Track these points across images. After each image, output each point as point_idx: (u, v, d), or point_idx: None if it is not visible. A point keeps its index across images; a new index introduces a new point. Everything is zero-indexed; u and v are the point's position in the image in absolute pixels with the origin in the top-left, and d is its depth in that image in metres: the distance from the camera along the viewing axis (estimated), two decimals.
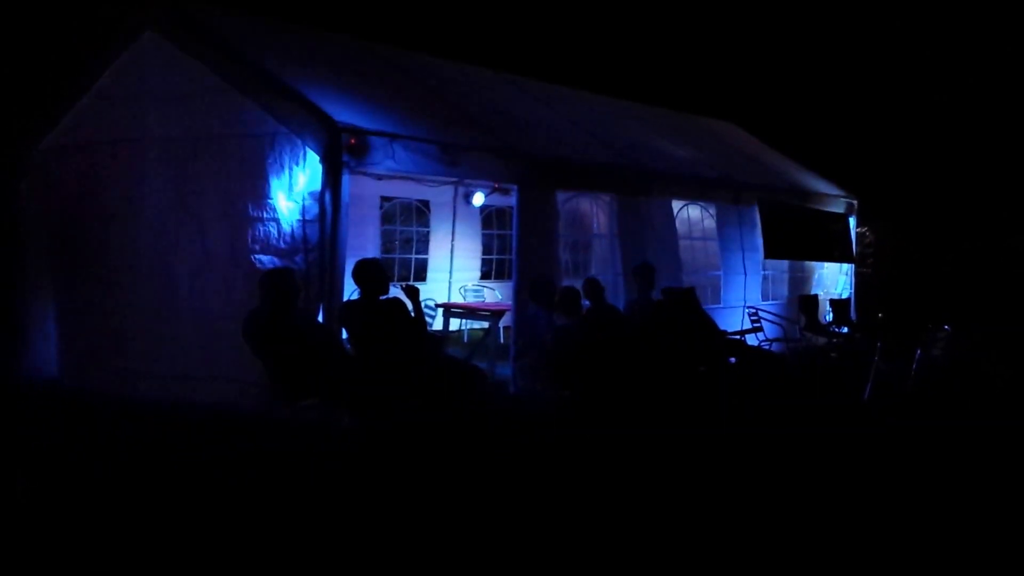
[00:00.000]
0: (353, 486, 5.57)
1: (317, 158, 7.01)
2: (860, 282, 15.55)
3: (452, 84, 10.24)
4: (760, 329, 11.01)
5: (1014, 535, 5.33)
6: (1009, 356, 11.37)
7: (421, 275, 12.71)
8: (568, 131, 10.72)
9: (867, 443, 7.34)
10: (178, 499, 5.33)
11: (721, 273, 11.57)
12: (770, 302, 12.33)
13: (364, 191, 10.85)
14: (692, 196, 11.23)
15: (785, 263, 12.98)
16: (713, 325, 9.53)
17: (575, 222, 10.16)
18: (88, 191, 8.43)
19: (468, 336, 12.21)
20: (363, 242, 11.10)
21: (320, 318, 6.97)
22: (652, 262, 9.33)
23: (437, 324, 10.99)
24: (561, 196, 9.12)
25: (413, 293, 6.83)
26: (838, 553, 4.93)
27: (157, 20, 7.90)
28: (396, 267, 12.38)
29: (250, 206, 7.44)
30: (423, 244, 12.82)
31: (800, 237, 12.69)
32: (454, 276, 13.16)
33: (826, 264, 14.05)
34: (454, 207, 12.97)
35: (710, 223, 11.60)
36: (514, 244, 8.64)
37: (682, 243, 10.85)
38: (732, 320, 11.22)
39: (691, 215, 11.38)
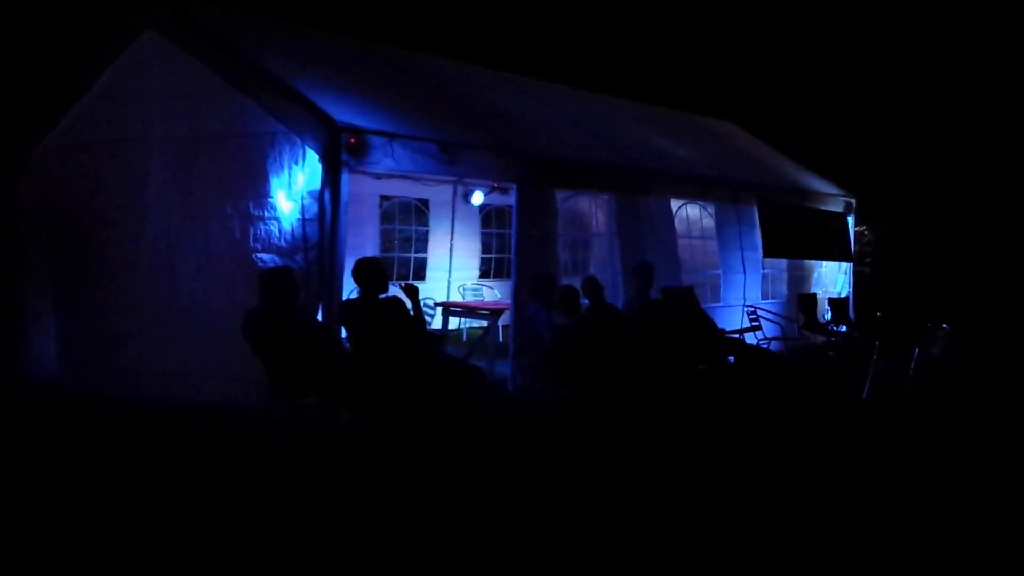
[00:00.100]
0: (352, 485, 5.58)
1: (316, 157, 7.03)
2: (859, 281, 15.57)
3: (451, 83, 10.25)
4: (759, 328, 11.03)
5: (1013, 535, 5.34)
6: (1008, 355, 11.38)
7: (420, 274, 12.72)
8: (567, 130, 10.73)
9: (865, 442, 7.35)
10: (178, 498, 5.33)
11: (720, 272, 11.58)
12: (769, 301, 12.34)
13: (363, 190, 10.87)
14: (691, 195, 11.24)
15: (784, 262, 13.00)
16: (712, 324, 9.55)
17: (574, 221, 10.16)
18: (88, 191, 8.44)
19: (467, 335, 12.22)
20: (362, 241, 11.12)
21: (319, 317, 6.98)
22: (651, 261, 9.34)
23: (436, 323, 11.01)
24: (560, 195, 9.13)
25: (412, 292, 6.84)
26: (837, 552, 4.94)
27: (157, 20, 7.91)
28: (395, 266, 12.39)
29: (251, 205, 7.46)
30: (422, 243, 12.83)
31: (799, 236, 12.70)
32: (453, 275, 13.17)
33: (825, 263, 14.06)
34: (453, 206, 12.99)
35: (709, 222, 11.61)
36: (513, 243, 8.65)
37: (681, 242, 10.86)
38: (732, 319, 11.23)
39: (690, 214, 11.39)
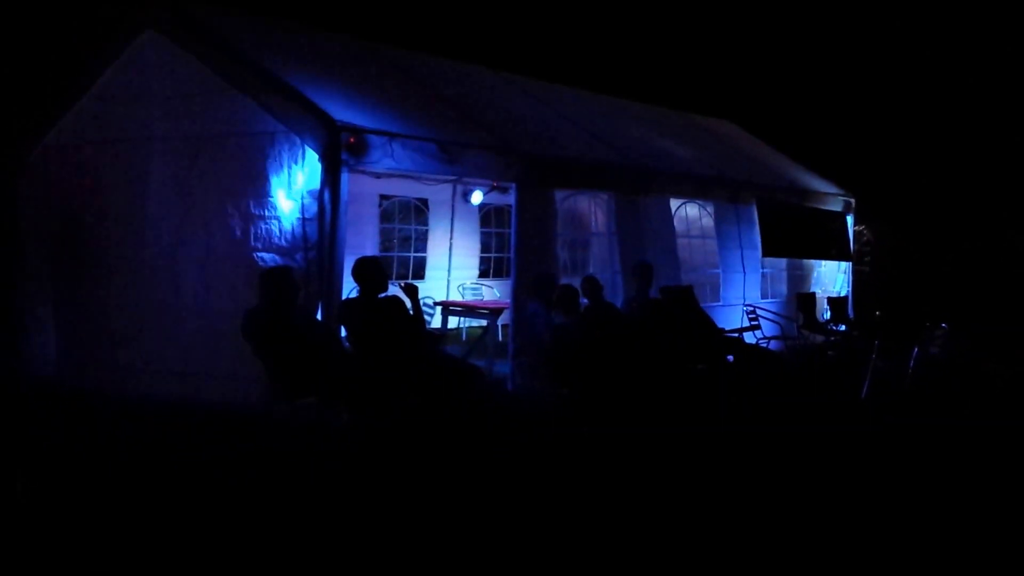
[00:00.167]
0: (352, 485, 5.58)
1: (316, 156, 7.04)
2: (858, 280, 15.57)
3: (451, 83, 10.25)
4: (758, 327, 11.04)
5: (1012, 534, 5.35)
6: (1008, 355, 11.39)
7: (420, 273, 12.73)
8: (566, 130, 10.74)
9: (864, 441, 7.36)
10: (177, 498, 5.34)
11: (720, 271, 11.59)
12: (769, 300, 12.35)
13: (363, 189, 10.86)
14: (690, 194, 11.25)
15: (783, 261, 13.01)
16: (711, 323, 9.56)
17: (573, 220, 10.18)
18: (88, 190, 8.45)
19: (466, 334, 12.23)
20: (362, 240, 11.12)
21: (319, 316, 6.99)
22: (650, 260, 9.35)
23: (436, 322, 11.01)
24: (559, 194, 9.14)
25: (412, 291, 6.86)
26: (835, 551, 4.95)
27: (157, 19, 7.92)
28: (395, 265, 12.39)
29: (251, 204, 7.47)
30: (422, 242, 12.84)
31: (798, 235, 12.72)
32: (453, 274, 13.17)
33: (824, 262, 14.08)
34: (453, 205, 12.99)
35: (708, 221, 11.63)
36: (512, 242, 8.65)
37: (680, 241, 10.87)
38: (731, 318, 11.24)
39: (689, 213, 11.40)
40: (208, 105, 7.73)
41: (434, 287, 12.62)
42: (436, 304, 11.24)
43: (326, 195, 6.98)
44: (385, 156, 7.28)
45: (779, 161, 15.15)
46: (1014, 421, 8.35)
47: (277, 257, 7.28)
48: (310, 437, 6.21)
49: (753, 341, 10.60)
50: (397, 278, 11.85)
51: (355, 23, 11.68)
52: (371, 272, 6.63)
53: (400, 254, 12.59)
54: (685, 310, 9.16)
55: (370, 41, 10.50)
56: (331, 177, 6.96)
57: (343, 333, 6.93)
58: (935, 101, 22.42)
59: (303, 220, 7.19)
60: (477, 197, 12.41)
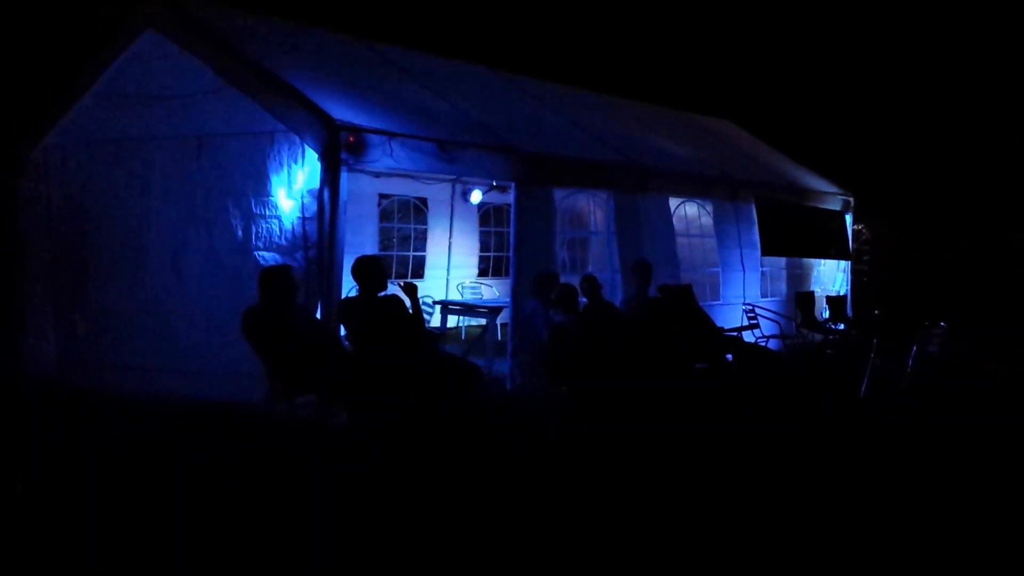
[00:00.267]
0: (350, 483, 5.59)
1: (316, 156, 7.05)
2: (856, 279, 15.58)
3: (450, 82, 10.27)
4: (757, 326, 11.06)
5: (1011, 532, 5.37)
6: (1006, 354, 11.42)
7: (419, 272, 12.74)
8: (566, 129, 10.75)
9: (863, 440, 7.37)
10: (177, 497, 5.35)
11: (719, 270, 11.61)
12: (769, 299, 12.37)
13: (362, 189, 10.88)
14: (689, 193, 11.27)
15: (783, 260, 13.03)
16: (710, 322, 9.57)
17: (572, 219, 10.20)
18: (89, 190, 8.47)
19: (465, 333, 12.24)
20: (361, 239, 11.12)
21: (318, 315, 7.01)
22: (649, 259, 9.37)
23: (435, 321, 11.02)
24: (559, 193, 9.16)
25: (411, 290, 6.87)
26: (834, 550, 4.96)
27: (157, 19, 7.93)
28: (394, 264, 12.41)
29: (253, 203, 7.50)
30: (421, 241, 12.85)
31: (797, 234, 12.74)
32: (452, 273, 13.18)
33: (824, 261, 14.10)
34: (452, 204, 13.01)
35: (707, 220, 11.64)
36: (512, 241, 8.67)
37: (679, 240, 10.89)
38: (731, 317, 11.26)
39: (688, 212, 11.42)
40: (208, 105, 7.74)
41: (433, 286, 12.64)
42: (435, 303, 11.25)
43: (325, 194, 7.00)
44: (384, 155, 7.29)
45: (778, 160, 15.16)
46: (1013, 420, 8.37)
47: (278, 256, 7.30)
48: (309, 436, 6.22)
49: (752, 340, 10.62)
50: (396, 277, 11.87)
51: (355, 22, 11.67)
52: (370, 271, 6.64)
53: (399, 253, 12.61)
54: (684, 309, 9.17)
55: (370, 40, 10.51)
56: (330, 176, 6.98)
57: (342, 332, 6.95)
58: (934, 100, 22.43)
59: (303, 219, 7.21)
60: (476, 196, 12.43)
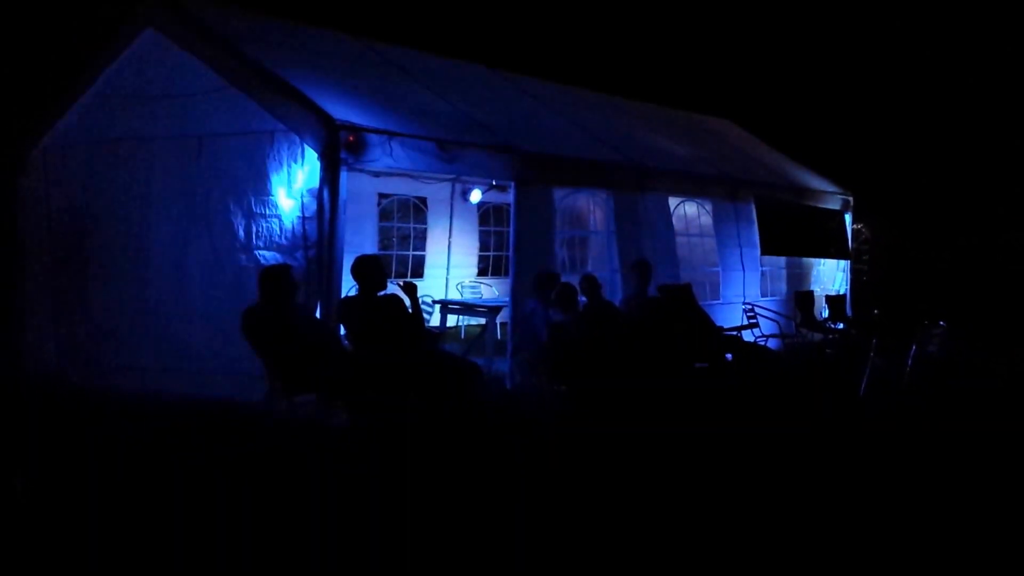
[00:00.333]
0: (350, 482, 5.60)
1: (315, 155, 7.06)
2: (856, 278, 15.60)
3: (450, 81, 10.27)
4: (756, 325, 11.07)
5: (1011, 532, 5.38)
6: (1005, 353, 11.43)
7: (419, 271, 12.76)
8: (565, 128, 10.76)
9: (862, 439, 7.38)
10: (176, 497, 5.36)
11: (719, 269, 11.62)
12: (769, 298, 12.38)
13: (362, 188, 10.90)
14: (689, 193, 11.27)
15: (783, 259, 13.04)
16: (709, 321, 9.58)
17: (572, 219, 10.21)
18: (89, 189, 8.47)
19: (465, 332, 12.25)
20: (361, 239, 11.14)
21: (318, 314, 7.01)
22: (649, 258, 9.37)
23: (434, 320, 11.03)
24: (558, 193, 9.17)
25: (411, 289, 6.87)
26: (833, 550, 4.97)
27: (157, 19, 7.95)
28: (394, 263, 12.42)
29: (253, 202, 7.51)
30: (420, 241, 12.86)
31: (796, 234, 12.75)
32: (451, 272, 13.19)
33: (823, 260, 14.11)
34: (451, 204, 13.02)
35: (707, 220, 11.65)
36: (511, 241, 8.68)
37: (679, 239, 10.89)
38: (731, 316, 11.27)
39: (688, 212, 11.43)
40: (208, 104, 7.75)
41: (433, 285, 12.65)
42: (435, 302, 11.26)
43: (325, 193, 7.01)
44: (384, 155, 7.30)
45: (777, 159, 15.17)
46: (1012, 419, 8.38)
47: (278, 255, 7.31)
48: (309, 435, 6.23)
49: (751, 339, 10.63)
50: (396, 276, 11.88)
51: (355, 22, 11.68)
52: (370, 270, 6.65)
53: (399, 252, 12.62)
54: (683, 308, 9.18)
55: (369, 39, 10.52)
56: (330, 175, 6.99)
57: (342, 331, 6.95)
58: (933, 99, 22.45)
59: (303, 219, 7.22)
60: (476, 195, 12.45)
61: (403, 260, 12.67)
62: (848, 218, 14.71)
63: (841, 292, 14.27)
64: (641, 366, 7.80)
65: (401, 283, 7.07)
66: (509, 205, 8.91)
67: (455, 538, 4.85)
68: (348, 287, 7.05)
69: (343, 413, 6.44)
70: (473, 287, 13.16)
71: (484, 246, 13.85)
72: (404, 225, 12.65)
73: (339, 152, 6.93)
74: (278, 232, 7.38)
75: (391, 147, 7.33)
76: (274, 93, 7.31)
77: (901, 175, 21.49)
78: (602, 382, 7.29)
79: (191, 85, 7.81)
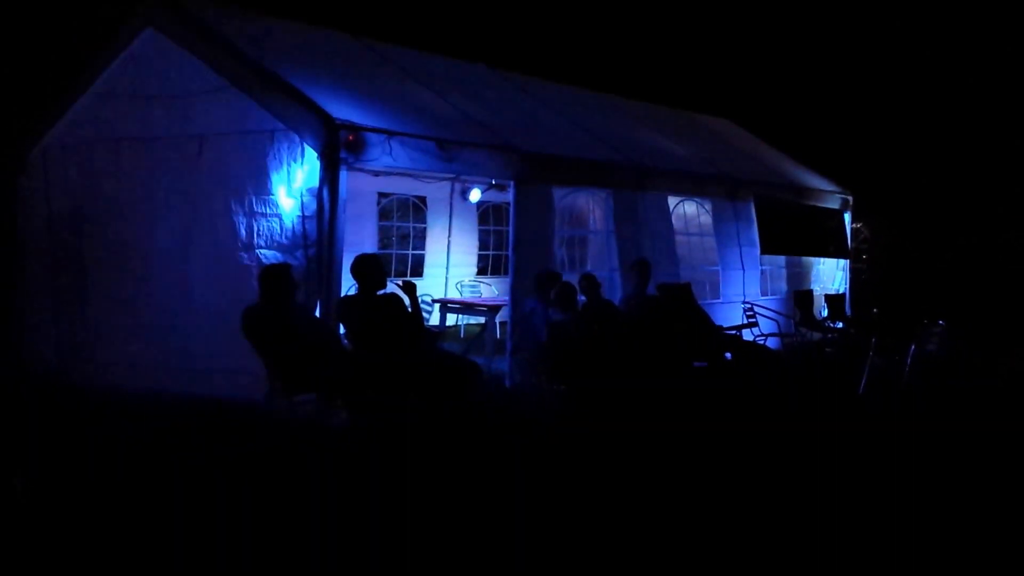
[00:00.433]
0: (349, 482, 5.61)
1: (315, 154, 7.07)
2: (855, 277, 15.60)
3: (449, 81, 10.28)
4: (755, 324, 11.07)
5: (1011, 531, 5.39)
6: (1004, 352, 11.43)
7: (418, 271, 12.77)
8: (565, 127, 10.77)
9: (861, 438, 7.39)
10: (176, 496, 5.36)
11: (719, 268, 11.62)
12: (769, 297, 12.39)
13: (361, 187, 10.91)
14: (688, 192, 11.28)
15: (783, 259, 13.05)
16: (709, 320, 9.58)
17: (571, 218, 10.22)
18: (89, 189, 8.48)
19: (464, 331, 12.26)
20: (361, 238, 11.16)
21: (317, 313, 7.02)
22: (648, 258, 9.38)
23: (434, 319, 11.04)
24: (557, 192, 9.17)
25: (410, 288, 6.88)
26: (832, 549, 4.98)
27: (157, 18, 7.95)
28: (393, 262, 12.44)
29: (254, 201, 7.51)
30: (420, 240, 12.88)
31: (796, 233, 12.76)
32: (451, 272, 13.21)
33: (823, 259, 14.11)
34: (451, 203, 13.04)
35: (706, 219, 11.65)
36: (511, 240, 8.69)
37: (678, 239, 10.90)
38: (731, 315, 11.27)
39: (687, 211, 11.43)
40: (208, 103, 7.76)
41: (432, 284, 12.67)
42: (435, 301, 11.27)
43: (325, 193, 7.01)
44: (384, 154, 7.30)
45: (777, 159, 15.18)
46: (1011, 418, 8.38)
47: (279, 255, 7.31)
48: (309, 434, 6.23)
49: (751, 338, 10.63)
50: (396, 275, 11.90)
51: (354, 21, 11.68)
52: (370, 269, 6.65)
53: (399, 251, 12.64)
54: (683, 307, 9.18)
55: (370, 39, 10.52)
56: (330, 175, 6.99)
57: (341, 330, 6.96)
58: (933, 99, 22.45)
59: (303, 218, 7.22)
60: (475, 195, 12.46)
61: (403, 259, 12.68)
62: (847, 217, 14.72)
63: (840, 291, 14.27)
64: (640, 365, 7.80)
65: (400, 282, 7.08)
66: (508, 204, 8.92)
67: (455, 538, 4.85)
68: (348, 286, 7.05)
69: (343, 412, 6.45)
70: (472, 286, 13.17)
71: (483, 245, 13.87)
72: (404, 224, 12.66)
73: (339, 151, 6.93)
74: (279, 231, 7.38)
75: (391, 146, 7.33)
76: (274, 93, 7.31)
77: (901, 175, 21.51)
78: (601, 381, 7.29)
79: (191, 85, 7.81)
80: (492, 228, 13.82)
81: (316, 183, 7.07)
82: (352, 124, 7.06)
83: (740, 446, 6.81)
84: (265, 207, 7.46)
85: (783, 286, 13.07)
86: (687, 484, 5.91)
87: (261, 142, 7.46)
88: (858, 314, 14.08)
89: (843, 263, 14.62)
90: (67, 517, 5.03)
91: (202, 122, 7.81)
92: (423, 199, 12.76)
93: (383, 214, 12.38)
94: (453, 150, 8.04)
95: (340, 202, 7.01)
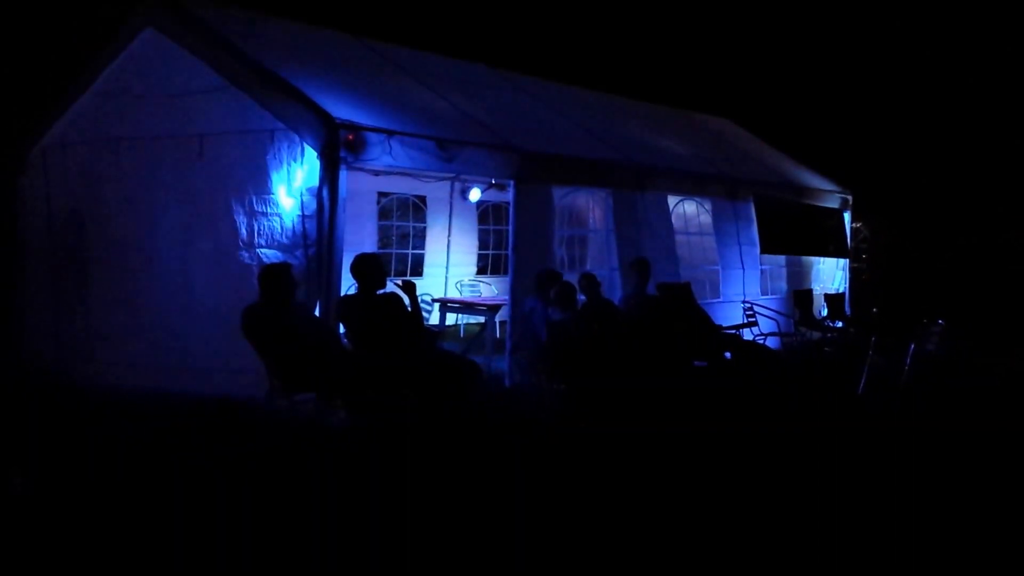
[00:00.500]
0: (349, 481, 5.61)
1: (315, 154, 7.07)
2: (855, 277, 15.61)
3: (449, 80, 10.29)
4: (755, 324, 11.08)
5: (1010, 530, 5.39)
6: (1004, 351, 11.44)
7: (418, 270, 12.78)
8: (565, 127, 10.77)
9: (861, 438, 7.39)
10: (176, 496, 5.37)
11: (719, 268, 11.63)
12: (769, 297, 12.40)
13: (361, 187, 10.92)
14: (688, 191, 11.28)
15: (783, 258, 13.06)
16: (708, 320, 9.59)
17: (571, 217, 10.23)
18: (89, 188, 8.48)
19: (464, 331, 12.27)
20: (361, 237, 11.17)
21: (317, 312, 7.02)
22: (648, 257, 9.38)
23: (434, 319, 11.05)
24: (557, 192, 9.18)
25: (410, 288, 6.88)
26: (832, 548, 4.98)
27: (157, 18, 7.96)
28: (393, 262, 12.45)
29: (254, 201, 7.52)
30: (420, 239, 12.89)
31: (795, 232, 12.76)
32: (451, 271, 13.22)
33: (824, 259, 14.12)
34: (451, 203, 13.05)
35: (706, 218, 11.66)
36: (510, 239, 8.69)
37: (678, 238, 10.91)
38: (732, 315, 11.27)
39: (687, 210, 11.44)
40: (208, 102, 7.76)
41: (432, 284, 12.68)
42: (434, 301, 11.28)
43: (324, 192, 7.02)
44: (383, 153, 7.31)
45: (777, 158, 15.18)
46: (1010, 417, 8.39)
47: (279, 254, 7.32)
48: (309, 434, 6.24)
49: (750, 338, 10.64)
50: (395, 275, 11.90)
51: (354, 21, 11.69)
52: (369, 269, 6.66)
53: (398, 251, 12.65)
54: (683, 307, 9.18)
55: (368, 38, 10.53)
56: (330, 174, 7.00)
57: (341, 330, 6.96)
58: (933, 99, 22.46)
59: (303, 217, 7.23)
60: (475, 194, 12.46)
61: (402, 258, 12.69)
62: (847, 217, 14.72)
63: (840, 291, 14.28)
64: (640, 365, 7.80)
65: (400, 282, 7.08)
66: (508, 204, 8.92)
67: (455, 538, 4.86)
68: (347, 285, 7.06)
69: (342, 412, 6.45)
70: (472, 285, 13.18)
71: (483, 244, 13.88)
72: (403, 224, 12.67)
73: (338, 151, 6.94)
74: (279, 230, 7.39)
75: (390, 146, 7.34)
76: (274, 92, 7.32)
77: (900, 174, 21.50)
78: (601, 381, 7.29)
79: (191, 84, 7.81)
80: (492, 227, 13.82)
81: (316, 182, 7.08)
82: (352, 123, 7.07)
83: (740, 446, 6.81)
84: (265, 206, 7.46)
85: (783, 285, 13.08)
86: (687, 484, 5.91)
87: (261, 141, 7.46)
88: (858, 313, 14.09)
89: (843, 262, 14.63)
90: (67, 517, 5.03)
91: (202, 121, 7.81)
92: (423, 198, 12.77)
93: (383, 213, 12.39)
94: (453, 149, 8.04)
95: (340, 201, 7.02)
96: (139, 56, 8.14)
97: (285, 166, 7.35)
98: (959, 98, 22.23)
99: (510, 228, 8.73)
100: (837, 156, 18.72)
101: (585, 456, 6.38)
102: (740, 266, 11.85)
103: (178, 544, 4.63)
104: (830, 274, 14.49)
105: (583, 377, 7.42)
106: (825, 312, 13.23)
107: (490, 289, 13.14)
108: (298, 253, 7.22)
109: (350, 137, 6.97)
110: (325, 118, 6.99)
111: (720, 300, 11.45)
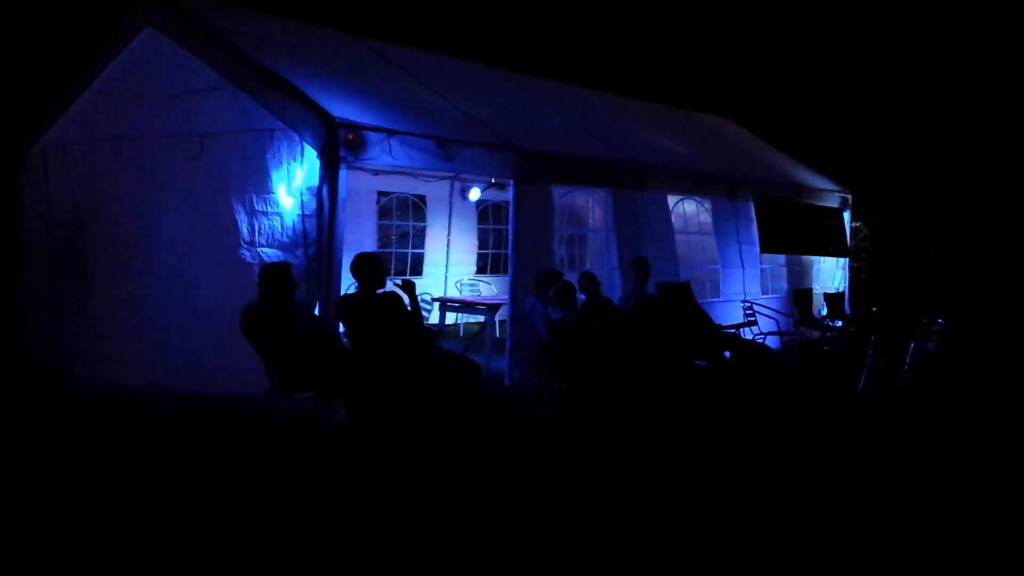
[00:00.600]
0: (349, 481, 5.62)
1: (315, 153, 7.07)
2: (854, 276, 15.61)
3: (449, 80, 10.29)
4: (755, 323, 11.08)
5: (1010, 530, 5.40)
6: (1003, 350, 11.44)
7: (417, 269, 12.78)
8: (564, 126, 10.77)
9: (860, 437, 7.40)
10: (176, 496, 5.37)
11: (719, 267, 11.63)
12: (769, 296, 12.39)
13: (361, 186, 10.93)
14: (687, 191, 11.28)
15: (783, 257, 13.06)
16: (708, 319, 9.59)
17: (571, 217, 10.23)
18: (89, 188, 8.48)
19: (464, 330, 12.27)
20: (360, 237, 11.17)
21: (317, 312, 7.02)
22: (647, 256, 9.38)
23: (433, 318, 11.05)
24: (557, 191, 9.18)
25: (409, 287, 6.89)
26: (831, 548, 4.98)
27: (157, 17, 7.96)
28: (393, 261, 12.45)
29: (255, 200, 7.52)
30: (419, 239, 12.90)
31: (795, 232, 12.76)
32: (450, 270, 13.22)
33: (824, 258, 14.12)
34: (450, 202, 13.05)
35: (706, 217, 11.66)
36: (510, 239, 8.70)
37: (678, 237, 10.90)
38: (732, 314, 11.27)
39: (687, 210, 11.44)
40: (208, 102, 7.77)
41: (432, 283, 12.68)
42: (434, 300, 11.28)
43: (324, 192, 7.02)
44: (383, 153, 7.31)
45: (776, 157, 15.18)
46: (1010, 417, 8.39)
47: (280, 253, 7.33)
48: (309, 433, 6.24)
49: (750, 337, 10.64)
50: (395, 274, 11.91)
51: (354, 21, 11.69)
52: (369, 268, 6.66)
53: (398, 250, 12.65)
54: (682, 306, 9.19)
55: (369, 38, 10.53)
56: (329, 174, 7.00)
57: (341, 329, 6.97)
58: (933, 99, 22.46)
59: (303, 216, 7.23)
60: (475, 193, 12.47)
61: (402, 258, 12.69)
62: (847, 216, 14.72)
63: (840, 290, 14.28)
64: (640, 364, 7.80)
65: (400, 281, 7.09)
66: (508, 203, 8.92)
67: (455, 537, 4.86)
68: (347, 285, 7.06)
69: (342, 411, 6.45)
70: (472, 285, 13.18)
71: (483, 244, 13.88)
72: (403, 223, 12.67)
73: (338, 150, 6.94)
74: (279, 229, 7.40)
75: (390, 145, 7.34)
76: (273, 92, 7.32)
77: (901, 174, 21.51)
78: (601, 380, 7.29)
79: (191, 84, 7.82)
80: (491, 227, 13.83)
81: (316, 182, 7.08)
82: (351, 123, 7.07)
83: (739, 445, 6.82)
84: (266, 205, 7.47)
85: (783, 285, 13.07)
86: (686, 483, 5.92)
87: (261, 141, 7.47)
88: (857, 313, 14.09)
89: (843, 262, 14.63)
90: (67, 517, 5.03)
91: (202, 121, 7.81)
92: (423, 198, 12.77)
93: (383, 213, 12.39)
94: (452, 149, 8.04)
95: (340, 201, 7.02)
96: (139, 56, 8.15)
97: (285, 165, 7.35)
98: (959, 98, 22.23)
99: (510, 227, 8.73)
100: (837, 156, 18.72)
101: (585, 455, 6.39)
102: (740, 265, 11.85)
103: (178, 544, 4.63)
104: (830, 273, 14.49)
105: (583, 376, 7.42)
106: (825, 311, 13.22)
107: (490, 288, 13.14)
108: (298, 252, 7.23)
109: (350, 136, 6.97)
110: (325, 117, 7.00)
111: (720, 299, 11.45)
